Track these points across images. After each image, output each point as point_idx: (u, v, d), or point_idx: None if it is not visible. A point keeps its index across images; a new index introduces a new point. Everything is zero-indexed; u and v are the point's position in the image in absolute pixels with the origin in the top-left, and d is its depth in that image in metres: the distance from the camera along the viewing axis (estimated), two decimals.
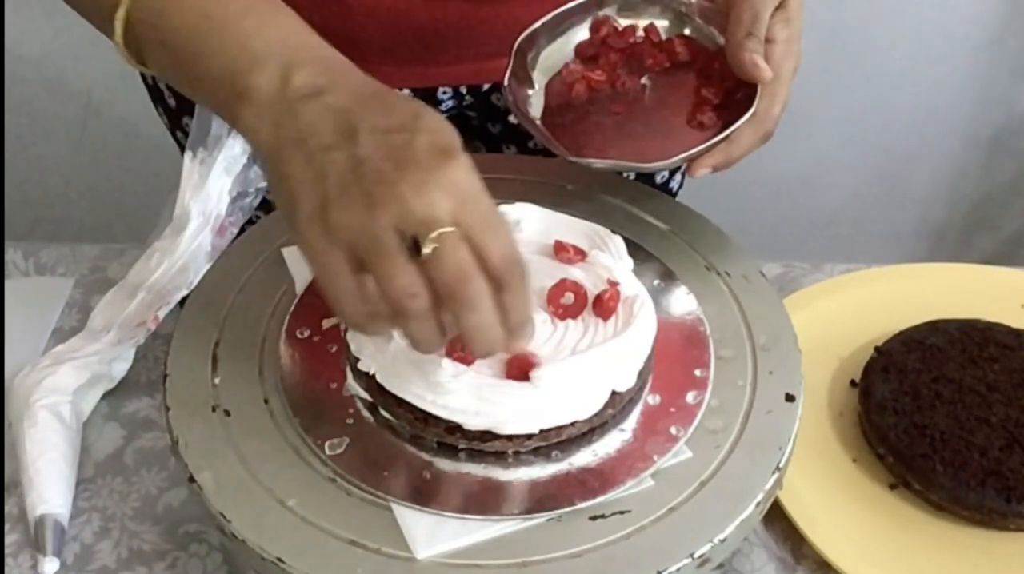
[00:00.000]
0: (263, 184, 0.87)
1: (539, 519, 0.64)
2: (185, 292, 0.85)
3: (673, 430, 0.69)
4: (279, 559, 0.61)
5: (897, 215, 2.05)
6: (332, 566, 0.62)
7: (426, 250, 0.57)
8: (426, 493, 0.65)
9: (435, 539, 0.63)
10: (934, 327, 0.90)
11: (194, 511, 0.80)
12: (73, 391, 0.83)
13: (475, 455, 0.67)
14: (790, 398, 0.71)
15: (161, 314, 0.86)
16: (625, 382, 0.68)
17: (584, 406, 0.67)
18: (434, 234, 0.57)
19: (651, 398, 0.70)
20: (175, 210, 0.86)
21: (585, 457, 0.67)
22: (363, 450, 0.67)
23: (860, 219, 1.99)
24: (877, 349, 0.88)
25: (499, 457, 0.67)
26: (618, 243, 0.75)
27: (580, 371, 0.66)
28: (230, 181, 0.86)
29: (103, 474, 0.82)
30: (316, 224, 0.59)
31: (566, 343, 0.68)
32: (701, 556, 0.63)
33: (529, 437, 0.66)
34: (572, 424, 0.67)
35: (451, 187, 0.58)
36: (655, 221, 0.83)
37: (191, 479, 0.66)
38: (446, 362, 0.65)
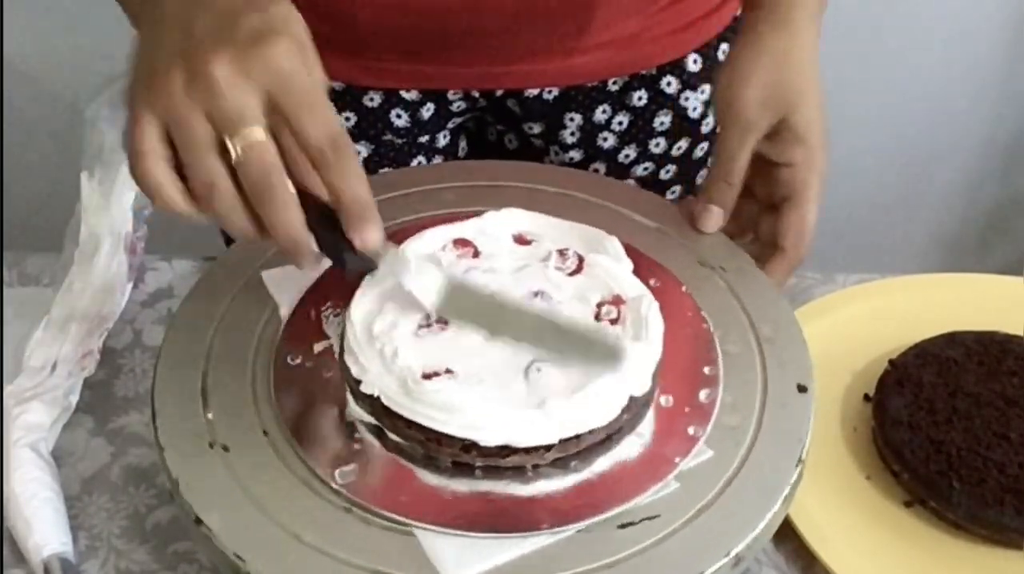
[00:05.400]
0: None
1: (568, 532, 0.63)
2: (117, 315, 0.87)
3: (691, 430, 0.68)
4: None
5: (912, 224, 2.05)
6: None
7: (233, 152, 0.59)
8: (449, 515, 0.64)
9: (463, 561, 0.62)
10: (950, 339, 0.88)
11: (183, 530, 0.78)
12: (50, 426, 0.82)
13: (492, 472, 0.66)
14: (802, 389, 0.71)
15: (102, 341, 0.86)
16: (641, 386, 0.68)
17: (602, 414, 0.66)
18: (241, 135, 0.59)
19: (663, 399, 0.70)
20: (80, 234, 0.86)
21: (606, 464, 0.66)
22: (375, 476, 0.66)
23: (874, 228, 1.99)
24: (891, 362, 0.87)
25: (518, 472, 0.66)
26: (615, 245, 0.74)
27: (598, 387, 0.65)
28: (132, 195, 0.86)
29: (89, 492, 0.81)
30: (140, 94, 0.61)
31: None
32: (736, 554, 0.63)
33: (548, 449, 0.65)
34: (590, 432, 0.66)
35: (264, 68, 0.60)
36: (646, 220, 0.83)
37: (198, 521, 0.64)
38: (449, 384, 0.65)
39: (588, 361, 0.67)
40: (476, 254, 0.74)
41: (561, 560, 0.62)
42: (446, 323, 0.68)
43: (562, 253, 0.74)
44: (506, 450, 0.65)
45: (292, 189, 0.61)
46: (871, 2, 1.78)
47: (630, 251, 0.76)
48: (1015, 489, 0.78)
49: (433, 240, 0.74)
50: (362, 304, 0.69)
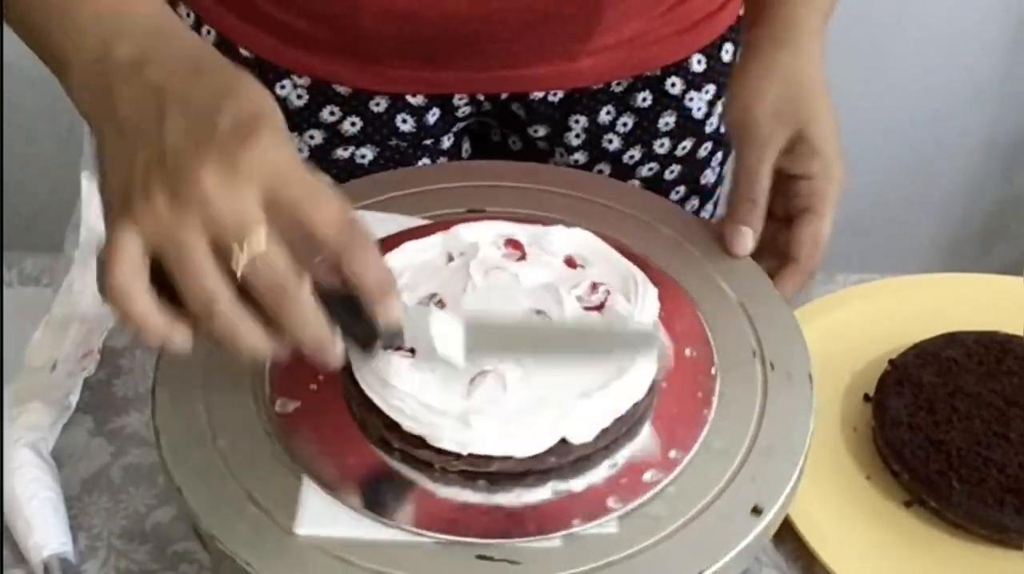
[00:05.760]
0: None
1: (426, 538, 0.63)
2: None
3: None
4: None
5: (913, 224, 2.05)
6: None
7: (239, 265, 0.55)
8: (340, 479, 0.65)
9: (319, 521, 0.63)
10: (950, 339, 0.88)
11: (184, 529, 0.78)
12: (50, 426, 0.82)
13: (408, 459, 0.66)
14: (802, 389, 0.70)
15: (102, 340, 0.86)
16: (580, 436, 0.66)
17: (522, 444, 0.65)
18: (245, 244, 0.55)
19: (611, 463, 0.67)
20: (81, 235, 0.85)
21: (508, 497, 0.65)
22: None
23: (874, 228, 1.98)
24: (891, 362, 0.87)
25: (428, 467, 0.65)
26: (650, 297, 0.71)
27: (524, 406, 0.65)
28: None
29: (89, 491, 0.81)
30: (118, 212, 0.56)
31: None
32: (736, 554, 0.62)
33: (458, 457, 0.65)
34: (505, 458, 0.65)
35: (258, 168, 0.55)
36: (653, 222, 0.82)
37: (197, 521, 0.64)
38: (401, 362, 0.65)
39: (626, 349, 0.67)
40: (522, 257, 0.74)
41: (561, 560, 0.62)
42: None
43: (595, 287, 0.72)
44: (420, 442, 0.65)
45: (309, 289, 0.57)
46: (871, 2, 1.77)
47: (627, 253, 0.75)
48: (1015, 489, 0.78)
49: (487, 231, 0.75)
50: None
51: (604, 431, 0.66)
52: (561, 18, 0.92)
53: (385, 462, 0.66)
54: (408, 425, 0.65)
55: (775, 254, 0.80)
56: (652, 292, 0.72)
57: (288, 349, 0.59)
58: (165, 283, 0.56)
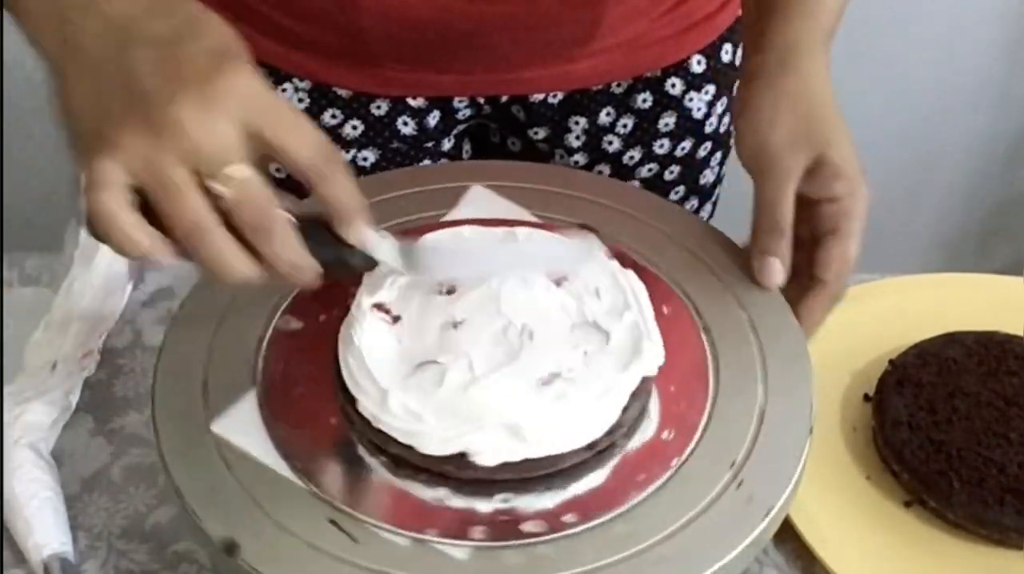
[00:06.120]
0: None
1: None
2: (117, 315, 0.86)
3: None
4: None
5: (912, 224, 2.04)
6: None
7: (220, 192, 0.56)
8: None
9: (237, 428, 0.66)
10: (950, 339, 0.88)
11: (184, 529, 0.78)
12: (50, 426, 0.82)
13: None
14: (802, 389, 0.70)
15: (102, 341, 0.86)
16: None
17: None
18: (225, 175, 0.55)
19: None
20: (80, 235, 0.86)
21: (487, 503, 0.64)
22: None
23: (873, 228, 1.96)
24: (891, 362, 0.87)
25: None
26: (645, 316, 0.70)
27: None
28: None
29: (89, 491, 0.81)
30: (94, 149, 0.56)
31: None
32: (736, 554, 0.62)
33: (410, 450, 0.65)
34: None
35: (234, 95, 0.56)
36: (652, 221, 0.81)
37: (197, 521, 0.63)
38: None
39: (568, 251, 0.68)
40: None
41: (561, 560, 0.61)
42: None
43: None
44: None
45: (288, 216, 0.58)
46: (871, 2, 1.77)
47: (624, 257, 0.75)
48: (1015, 489, 0.78)
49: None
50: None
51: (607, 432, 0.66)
52: (561, 21, 0.92)
53: (341, 430, 0.67)
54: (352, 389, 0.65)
55: (798, 278, 0.77)
56: (647, 316, 0.70)
57: (268, 271, 0.59)
58: (149, 214, 0.57)
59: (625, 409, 0.66)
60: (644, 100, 1.00)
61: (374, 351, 0.65)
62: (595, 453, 0.65)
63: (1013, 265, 1.98)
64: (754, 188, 0.77)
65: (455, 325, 0.66)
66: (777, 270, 0.75)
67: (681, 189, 1.07)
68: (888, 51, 1.83)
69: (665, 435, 0.67)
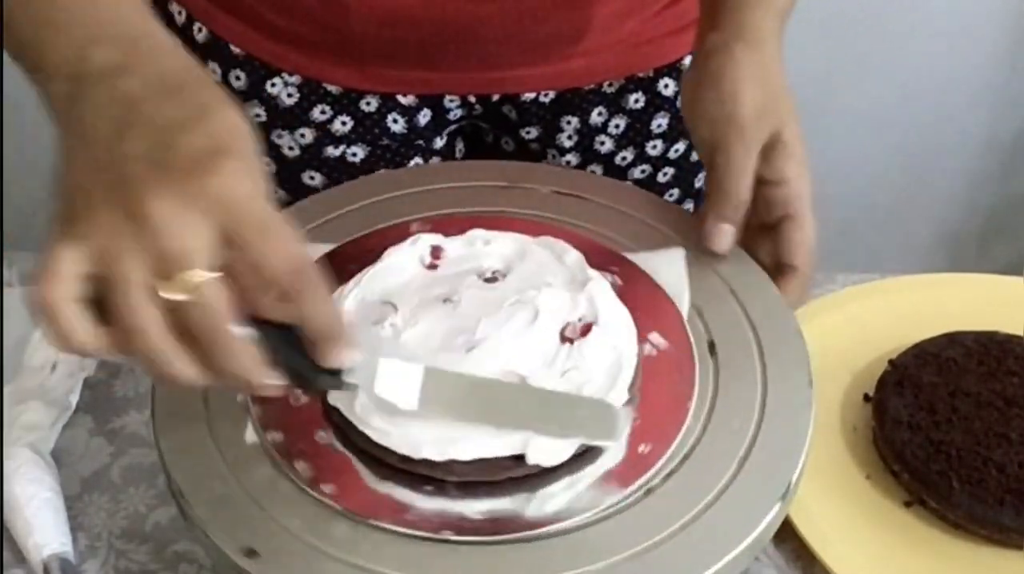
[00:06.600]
0: None
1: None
2: None
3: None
4: None
5: (912, 224, 2.04)
6: None
7: (170, 298, 0.53)
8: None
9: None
10: (950, 340, 0.88)
11: (184, 530, 0.78)
12: (50, 426, 0.82)
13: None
14: (802, 389, 0.69)
15: None
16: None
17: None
18: (181, 278, 0.53)
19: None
20: None
21: (477, 505, 0.64)
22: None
23: (874, 228, 1.98)
24: (891, 362, 0.87)
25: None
26: (601, 288, 0.71)
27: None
28: None
29: (89, 491, 0.81)
30: (61, 232, 0.54)
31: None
32: (736, 554, 0.62)
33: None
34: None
35: (216, 196, 0.54)
36: (650, 220, 0.81)
37: (197, 521, 0.63)
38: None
39: (585, 432, 0.65)
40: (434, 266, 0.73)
41: (560, 560, 0.61)
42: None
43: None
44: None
45: (238, 333, 0.55)
46: (871, 2, 1.77)
47: (623, 258, 0.75)
48: (1015, 489, 0.78)
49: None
50: None
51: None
52: (551, 19, 0.92)
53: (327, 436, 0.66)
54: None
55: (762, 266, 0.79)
56: (601, 285, 0.71)
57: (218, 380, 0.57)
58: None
59: None
60: (636, 100, 1.00)
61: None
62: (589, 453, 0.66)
63: (1013, 265, 1.98)
64: (708, 160, 0.78)
65: None
66: (729, 236, 0.77)
67: (676, 192, 1.06)
68: (888, 51, 1.83)
69: (665, 435, 0.67)
